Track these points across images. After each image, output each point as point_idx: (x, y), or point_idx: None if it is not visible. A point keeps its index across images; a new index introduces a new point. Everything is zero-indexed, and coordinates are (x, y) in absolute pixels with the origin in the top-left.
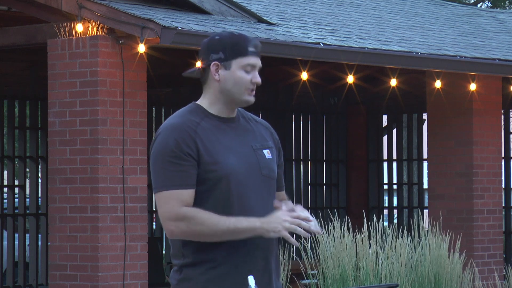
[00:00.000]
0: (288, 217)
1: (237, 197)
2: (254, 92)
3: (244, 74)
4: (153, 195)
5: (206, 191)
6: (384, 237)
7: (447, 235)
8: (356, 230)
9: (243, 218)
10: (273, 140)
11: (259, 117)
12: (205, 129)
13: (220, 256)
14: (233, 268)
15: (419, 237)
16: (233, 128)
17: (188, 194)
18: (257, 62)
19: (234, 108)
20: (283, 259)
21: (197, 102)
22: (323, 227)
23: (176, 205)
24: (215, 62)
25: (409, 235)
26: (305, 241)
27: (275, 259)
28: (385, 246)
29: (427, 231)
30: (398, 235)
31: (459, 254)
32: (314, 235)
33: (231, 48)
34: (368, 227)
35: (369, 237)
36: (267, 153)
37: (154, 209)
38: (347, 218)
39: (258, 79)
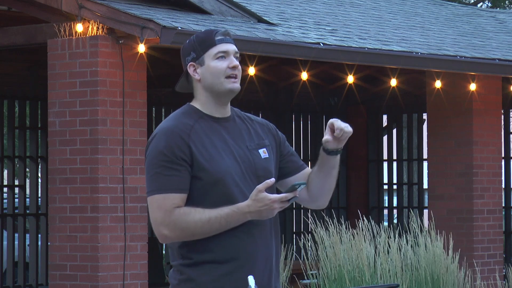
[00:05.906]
0: (275, 197)
1: (233, 199)
2: (237, 80)
3: (219, 62)
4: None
5: (202, 194)
6: (382, 237)
7: (447, 235)
8: (356, 230)
9: (233, 210)
10: (272, 136)
11: (259, 117)
12: (199, 132)
13: (222, 256)
14: (236, 268)
15: (416, 237)
16: (228, 128)
17: (181, 198)
18: (229, 47)
19: (225, 104)
20: (283, 259)
21: (191, 103)
22: (322, 227)
23: (168, 209)
24: (190, 63)
25: (408, 235)
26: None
27: (275, 258)
28: (384, 246)
29: (427, 231)
30: (397, 235)
31: (460, 254)
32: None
33: (199, 44)
34: (367, 227)
35: (369, 237)
36: (262, 152)
37: None
38: (347, 218)
39: (235, 62)
